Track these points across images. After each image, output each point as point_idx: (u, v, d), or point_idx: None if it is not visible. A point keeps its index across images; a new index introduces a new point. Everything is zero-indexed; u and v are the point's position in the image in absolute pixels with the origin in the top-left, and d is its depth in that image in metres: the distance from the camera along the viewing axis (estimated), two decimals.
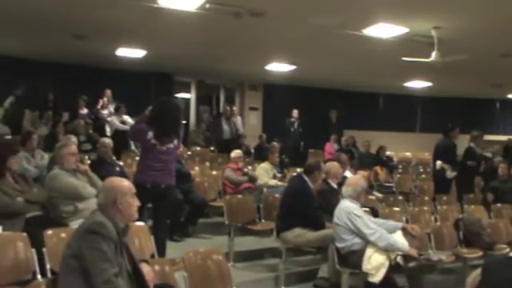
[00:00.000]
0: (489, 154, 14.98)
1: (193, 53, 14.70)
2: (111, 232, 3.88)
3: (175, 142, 6.75)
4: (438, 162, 12.22)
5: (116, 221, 3.99)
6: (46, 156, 9.07)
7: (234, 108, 18.17)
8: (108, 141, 9.54)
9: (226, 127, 16.48)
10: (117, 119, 14.06)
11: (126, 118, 14.15)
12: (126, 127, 13.90)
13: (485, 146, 14.03)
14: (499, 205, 10.63)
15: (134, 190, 4.21)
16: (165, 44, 13.75)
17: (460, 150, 12.65)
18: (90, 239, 3.78)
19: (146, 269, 4.24)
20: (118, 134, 13.80)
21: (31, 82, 14.72)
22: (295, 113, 17.34)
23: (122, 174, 8.07)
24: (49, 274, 4.74)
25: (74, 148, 6.58)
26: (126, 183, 4.23)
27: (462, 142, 12.75)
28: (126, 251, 4.06)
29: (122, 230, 4.03)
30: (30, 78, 15.07)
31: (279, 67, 16.30)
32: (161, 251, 6.10)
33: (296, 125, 17.25)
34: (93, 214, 4.08)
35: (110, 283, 3.71)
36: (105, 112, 14.78)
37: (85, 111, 14.97)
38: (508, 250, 8.00)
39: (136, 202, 4.19)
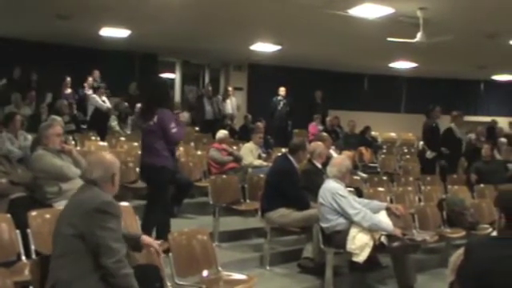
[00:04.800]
0: (472, 135, 15.10)
1: (177, 32, 14.62)
2: (119, 210, 3.92)
3: (155, 119, 6.67)
4: (421, 143, 12.32)
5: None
6: (30, 137, 9.00)
7: (230, 89, 18.07)
8: None
9: (208, 107, 16.35)
10: (97, 98, 14.07)
11: (104, 98, 14.15)
12: (107, 106, 13.92)
13: (466, 126, 14.11)
14: (482, 185, 10.74)
15: (118, 163, 4.24)
16: (149, 24, 13.64)
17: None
18: (101, 219, 3.76)
19: (148, 239, 4.45)
20: (97, 114, 13.81)
21: (15, 63, 14.62)
22: (282, 90, 17.15)
23: None
24: (33, 255, 4.73)
25: (59, 128, 6.54)
26: (116, 159, 4.25)
27: (445, 123, 12.80)
28: None
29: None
30: (14, 58, 14.95)
31: (264, 47, 16.24)
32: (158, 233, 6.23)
33: (282, 103, 17.09)
34: (90, 189, 3.99)
35: (121, 262, 3.75)
36: (89, 92, 14.74)
37: (69, 91, 14.91)
38: (490, 229, 8.05)
39: (119, 175, 4.21)
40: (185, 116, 7.31)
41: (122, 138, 12.63)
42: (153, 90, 7.11)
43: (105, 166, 4.11)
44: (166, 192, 7.11)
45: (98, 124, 13.51)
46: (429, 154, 12.32)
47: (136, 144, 11.63)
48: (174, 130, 6.70)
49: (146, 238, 4.41)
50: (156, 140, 6.70)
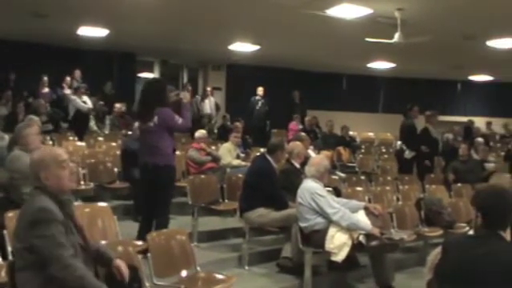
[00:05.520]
0: (449, 135, 15.22)
1: (155, 32, 14.58)
2: (55, 213, 3.61)
3: (155, 119, 6.69)
4: (398, 143, 12.40)
5: (56, 194, 3.73)
6: (6, 137, 8.91)
7: (208, 89, 18.08)
8: None
9: None
10: (78, 99, 13.94)
11: (86, 98, 14.04)
12: (88, 106, 13.82)
13: (444, 126, 14.21)
14: (459, 185, 10.82)
15: (60, 157, 3.81)
16: (127, 23, 13.59)
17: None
18: (37, 229, 3.53)
19: (119, 265, 3.96)
20: (78, 115, 13.71)
21: None
22: (260, 90, 17.17)
23: None
24: (10, 257, 4.67)
25: (36, 128, 6.50)
26: (47, 153, 3.86)
27: (422, 123, 12.89)
28: (74, 224, 3.83)
29: (65, 202, 3.79)
30: None
31: (243, 47, 16.25)
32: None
33: (261, 103, 17.11)
34: (32, 194, 3.78)
35: (67, 268, 3.52)
36: (68, 92, 14.63)
37: (46, 90, 14.79)
38: (467, 228, 8.12)
39: (66, 171, 3.80)
40: (187, 97, 7.32)
41: (101, 138, 12.57)
42: (148, 91, 7.10)
43: (30, 167, 3.84)
44: (172, 190, 7.19)
45: (79, 124, 13.43)
46: (407, 154, 12.39)
47: (114, 144, 11.60)
48: (180, 122, 6.79)
49: (118, 263, 3.98)
50: (158, 139, 6.72)
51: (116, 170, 9.57)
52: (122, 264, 3.94)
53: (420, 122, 12.87)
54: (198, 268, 5.35)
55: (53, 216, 3.59)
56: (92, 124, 13.85)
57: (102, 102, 14.66)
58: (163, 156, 6.74)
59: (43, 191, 3.71)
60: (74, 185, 3.97)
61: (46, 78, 14.87)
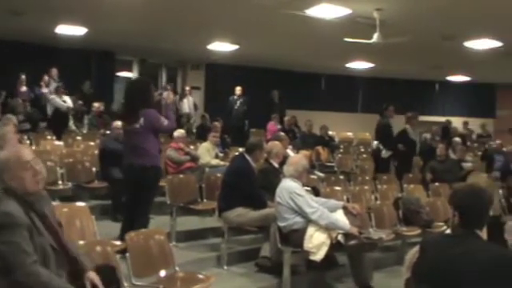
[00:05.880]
0: (427, 135, 15.31)
1: (134, 31, 14.51)
2: (19, 217, 3.52)
3: (141, 121, 6.67)
4: (375, 142, 12.46)
5: (22, 196, 3.64)
6: None
7: (187, 88, 18.09)
8: None
9: None
10: (58, 98, 13.85)
11: (66, 98, 13.96)
12: (67, 105, 13.74)
13: (422, 126, 14.30)
14: (437, 184, 10.90)
15: (23, 159, 3.72)
16: (106, 21, 13.52)
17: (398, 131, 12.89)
18: (1, 234, 3.45)
19: (92, 278, 3.83)
20: (57, 113, 13.63)
21: None
22: (238, 90, 17.15)
23: None
24: None
25: (12, 128, 6.45)
26: (12, 154, 3.77)
27: (398, 123, 12.96)
28: (45, 223, 3.71)
29: (32, 203, 3.68)
30: None
31: (222, 47, 16.24)
32: None
33: (239, 102, 17.09)
34: None
35: (30, 275, 3.44)
36: (45, 91, 14.53)
37: (24, 89, 14.67)
38: (445, 227, 8.19)
39: (29, 173, 3.69)
40: (170, 97, 7.30)
41: (79, 138, 12.50)
42: (132, 91, 7.08)
43: None
44: (156, 191, 7.22)
45: (58, 123, 13.35)
46: (384, 154, 12.47)
47: (93, 143, 11.54)
48: (166, 123, 6.82)
49: (91, 276, 3.83)
50: (144, 141, 6.72)
51: (94, 169, 9.52)
52: (95, 277, 3.84)
53: (396, 122, 12.93)
54: (177, 268, 5.34)
55: (16, 221, 3.51)
56: (70, 123, 13.79)
57: (80, 102, 14.58)
58: (150, 157, 6.75)
59: (9, 193, 3.64)
60: (39, 187, 3.78)
61: (23, 77, 14.75)
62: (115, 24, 13.73)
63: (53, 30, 14.35)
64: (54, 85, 14.59)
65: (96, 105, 14.33)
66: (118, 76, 19.77)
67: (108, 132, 11.46)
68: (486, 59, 15.46)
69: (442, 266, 3.37)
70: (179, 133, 10.91)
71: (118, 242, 5.57)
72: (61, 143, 11.53)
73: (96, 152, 10.02)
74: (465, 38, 13.40)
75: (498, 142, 15.99)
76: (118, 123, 9.09)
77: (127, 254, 4.83)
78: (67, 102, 13.89)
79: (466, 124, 19.71)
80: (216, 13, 12.17)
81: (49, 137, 12.08)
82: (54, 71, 15.06)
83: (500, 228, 6.03)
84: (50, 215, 3.83)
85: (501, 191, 10.28)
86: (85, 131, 13.81)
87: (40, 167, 3.80)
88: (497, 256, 3.36)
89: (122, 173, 7.57)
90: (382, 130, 12.81)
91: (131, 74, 20.15)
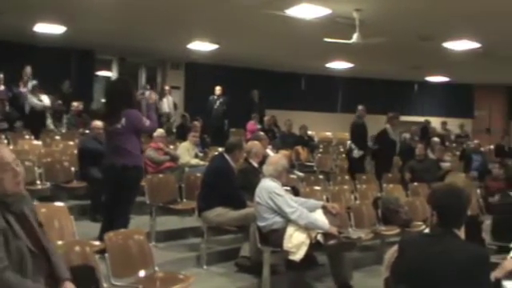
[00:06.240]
0: (406, 135, 15.41)
1: (113, 29, 14.43)
2: None
3: (122, 121, 6.64)
4: (348, 142, 12.54)
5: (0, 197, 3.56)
6: None
7: (166, 87, 18.06)
8: None
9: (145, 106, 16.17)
10: (34, 97, 13.74)
11: (44, 97, 13.85)
12: (44, 104, 13.64)
13: (401, 126, 14.38)
14: (416, 184, 10.96)
15: (4, 160, 3.62)
16: (85, 20, 13.41)
17: (377, 131, 12.97)
18: None
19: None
20: (34, 112, 13.52)
21: None
22: (217, 90, 17.11)
23: None
24: None
25: None
26: None
27: (377, 123, 13.04)
28: (23, 225, 3.62)
29: (10, 204, 3.59)
30: None
31: (201, 46, 16.20)
32: None
33: (219, 102, 17.04)
34: None
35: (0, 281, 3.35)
36: (24, 90, 14.41)
37: (1, 88, 14.53)
38: (423, 227, 8.22)
39: (9, 174, 3.60)
40: (152, 97, 7.28)
41: (57, 137, 12.42)
42: (114, 92, 7.05)
43: None
44: (137, 191, 7.19)
45: (35, 123, 13.25)
46: (356, 153, 12.55)
47: (71, 143, 11.47)
48: (148, 124, 6.86)
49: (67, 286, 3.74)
50: (125, 141, 6.70)
51: (73, 169, 9.45)
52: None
53: (372, 121, 13.00)
54: (156, 268, 5.31)
55: None
56: (49, 122, 13.69)
57: (59, 101, 14.48)
58: (132, 157, 6.73)
59: None
60: (19, 188, 3.71)
61: (1, 76, 14.60)
62: (94, 23, 13.63)
63: (31, 28, 14.22)
64: (30, 83, 14.48)
65: (75, 104, 14.24)
66: (97, 75, 19.66)
67: (87, 131, 11.39)
68: (465, 60, 15.57)
69: (420, 266, 3.40)
70: (159, 132, 10.87)
71: (97, 242, 5.53)
72: (39, 143, 11.45)
73: (75, 152, 9.95)
74: (443, 39, 13.48)
75: (475, 142, 16.13)
76: (98, 123, 9.06)
77: (106, 255, 4.81)
78: (44, 100, 13.78)
79: (444, 124, 19.85)
80: (196, 12, 12.15)
81: (27, 136, 11.99)
82: (28, 69, 14.88)
83: (478, 227, 6.09)
84: (31, 216, 3.76)
85: (478, 191, 10.37)
86: (64, 131, 13.71)
87: (20, 168, 3.74)
88: (474, 255, 3.39)
89: (101, 172, 7.54)
90: (355, 129, 12.91)
91: (111, 74, 20.04)
